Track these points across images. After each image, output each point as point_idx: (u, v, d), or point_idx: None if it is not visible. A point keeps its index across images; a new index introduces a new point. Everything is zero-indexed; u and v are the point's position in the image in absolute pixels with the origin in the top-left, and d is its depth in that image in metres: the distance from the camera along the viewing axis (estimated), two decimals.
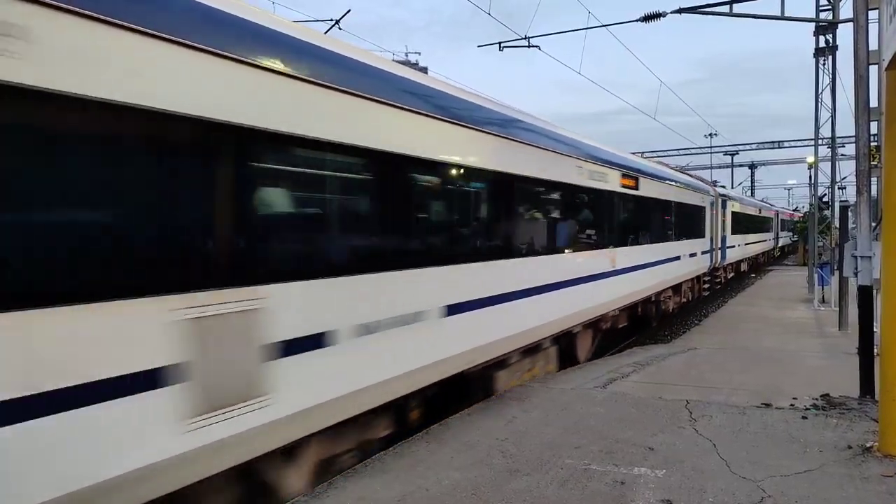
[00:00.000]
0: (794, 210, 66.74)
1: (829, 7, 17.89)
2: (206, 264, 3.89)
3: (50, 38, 3.12)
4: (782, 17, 15.73)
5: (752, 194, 57.85)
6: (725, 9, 15.62)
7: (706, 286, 21.39)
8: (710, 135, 52.47)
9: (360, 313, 5.09)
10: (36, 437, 3.03)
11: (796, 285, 24.21)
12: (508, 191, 7.63)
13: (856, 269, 6.77)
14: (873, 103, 7.68)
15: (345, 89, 4.95)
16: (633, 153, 17.18)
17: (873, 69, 6.91)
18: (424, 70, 14.30)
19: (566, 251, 9.21)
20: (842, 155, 26.00)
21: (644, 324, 14.84)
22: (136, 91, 3.47)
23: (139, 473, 3.45)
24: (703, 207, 19.32)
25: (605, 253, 10.67)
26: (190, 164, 3.85)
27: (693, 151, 51.28)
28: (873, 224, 6.87)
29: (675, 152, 50.79)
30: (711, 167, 56.31)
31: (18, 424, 2.95)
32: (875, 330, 6.80)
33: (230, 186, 4.05)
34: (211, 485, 3.97)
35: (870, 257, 6.62)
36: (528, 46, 17.46)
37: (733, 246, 25.69)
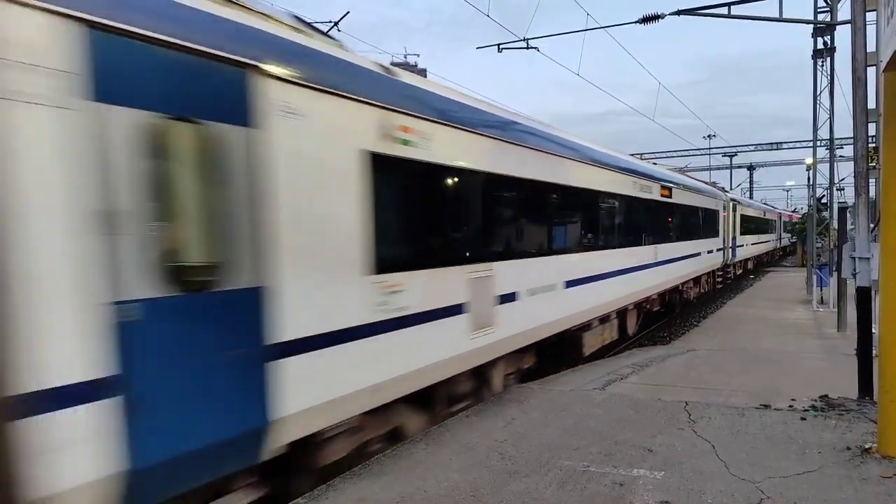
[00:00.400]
0: (792, 211, 66.87)
1: (827, 9, 17.91)
2: (476, 251, 7.07)
3: None
4: (780, 19, 15.75)
5: (751, 196, 58.00)
6: (724, 10, 15.65)
7: (719, 280, 24.82)
8: (709, 136, 52.59)
9: (528, 281, 8.17)
10: (433, 332, 6.20)
11: (795, 286, 24.23)
12: (609, 204, 11.33)
13: (854, 270, 6.78)
14: (871, 105, 7.69)
15: (556, 153, 9.09)
16: (633, 154, 18.04)
17: (871, 71, 6.93)
18: (423, 72, 14.32)
19: (628, 247, 12.29)
20: (840, 156, 26.05)
21: (670, 310, 17.63)
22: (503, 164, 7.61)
23: (453, 358, 6.55)
24: (717, 211, 22.46)
25: (650, 249, 13.84)
26: (480, 197, 7.15)
27: (692, 153, 51.36)
28: (871, 225, 6.89)
29: (675, 153, 50.84)
30: (710, 168, 56.38)
31: (439, 321, 6.29)
32: (874, 331, 6.81)
33: (484, 208, 7.24)
34: (463, 377, 7.03)
35: (868, 258, 6.63)
36: (527, 48, 17.48)
37: (742, 245, 29.13)
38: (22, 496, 3.13)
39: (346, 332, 5.03)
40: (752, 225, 33.64)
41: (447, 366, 6.44)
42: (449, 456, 5.47)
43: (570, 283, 9.37)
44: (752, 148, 52.93)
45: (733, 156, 55.68)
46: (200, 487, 4.04)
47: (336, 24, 12.34)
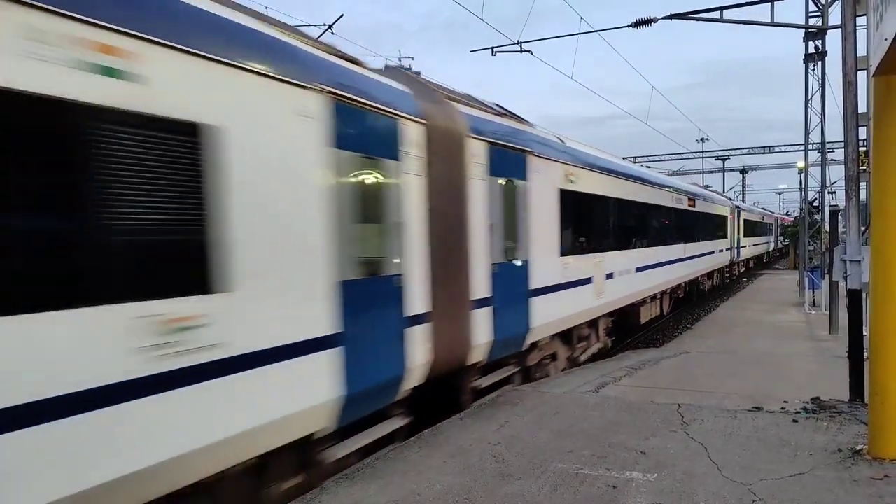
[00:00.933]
0: (785, 214, 67.21)
1: (819, 13, 18.04)
2: (597, 244, 11.13)
3: None
4: (772, 24, 15.85)
5: (744, 199, 58.23)
6: (716, 15, 15.75)
7: (726, 276, 29.38)
8: (702, 139, 52.80)
9: (620, 265, 12.23)
10: (581, 292, 10.44)
11: (787, 289, 24.35)
12: (659, 212, 15.64)
13: (845, 273, 6.82)
14: (862, 109, 7.75)
15: (634, 179, 13.77)
16: (626, 158, 21.00)
17: (862, 75, 6.99)
18: (417, 75, 14.29)
19: (670, 244, 16.45)
20: (832, 160, 26.18)
21: (690, 298, 20.99)
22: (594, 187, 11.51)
23: (588, 310, 10.71)
24: (726, 216, 26.80)
25: (681, 247, 17.76)
26: (601, 210, 11.55)
27: (685, 156, 51.56)
28: (862, 228, 6.93)
29: (668, 157, 51.04)
30: (703, 171, 56.61)
31: (583, 286, 10.55)
32: (864, 333, 6.85)
33: (601, 217, 11.47)
34: (586, 325, 11.11)
35: (859, 261, 6.67)
36: (521, 51, 17.53)
37: (745, 246, 33.55)
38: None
39: (552, 287, 9.16)
40: (753, 228, 38.04)
41: (586, 314, 10.64)
42: (443, 459, 5.46)
43: (638, 269, 13.69)
44: (744, 151, 53.17)
45: (726, 159, 55.92)
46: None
47: (330, 27, 12.35)
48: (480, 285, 7.29)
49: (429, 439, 6.01)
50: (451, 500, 4.63)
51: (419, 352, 6.18)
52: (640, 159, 42.86)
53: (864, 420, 5.97)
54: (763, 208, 59.83)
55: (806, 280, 19.16)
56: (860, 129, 7.44)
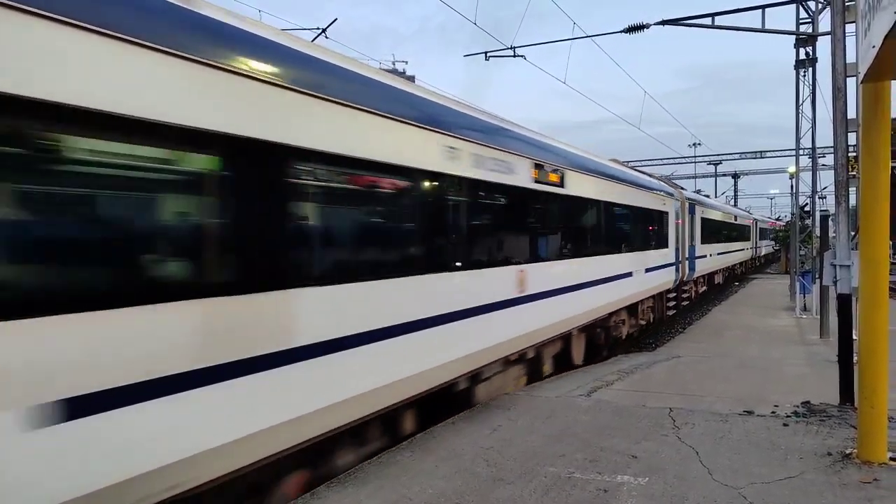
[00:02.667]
0: (776, 219, 67.52)
1: (809, 20, 18.20)
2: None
3: None
4: (763, 30, 15.98)
5: (736, 203, 58.41)
6: (707, 21, 15.86)
7: (671, 304, 18.80)
8: (694, 144, 53.15)
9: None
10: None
11: (779, 293, 24.48)
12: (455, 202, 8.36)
13: (835, 277, 6.87)
14: (851, 115, 7.82)
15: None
16: (612, 160, 16.84)
17: (851, 81, 7.05)
18: (412, 78, 14.34)
19: (487, 267, 7.90)
20: (823, 165, 26.36)
21: (594, 352, 12.11)
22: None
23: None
24: (665, 213, 16.86)
25: (527, 269, 8.44)
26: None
27: (678, 161, 51.89)
28: (852, 233, 6.99)
29: (660, 162, 51.34)
30: (696, 176, 56.98)
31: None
32: (854, 338, 6.89)
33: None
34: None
35: (848, 266, 6.73)
36: (514, 56, 17.59)
37: (704, 256, 23.44)
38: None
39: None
40: (720, 231, 28.24)
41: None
42: (435, 463, 5.46)
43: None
44: (736, 156, 53.56)
45: (718, 164, 56.29)
46: None
47: (324, 30, 12.36)
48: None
49: (421, 443, 6.01)
50: None
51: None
52: (632, 164, 42.85)
53: (854, 424, 6.01)
54: (747, 209, 54.03)
55: (797, 284, 19.27)
56: (850, 134, 7.52)
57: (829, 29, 7.71)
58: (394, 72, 13.63)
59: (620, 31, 16.44)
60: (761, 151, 51.07)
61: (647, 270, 14.90)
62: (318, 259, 4.98)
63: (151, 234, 3.75)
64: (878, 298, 5.32)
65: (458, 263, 6.86)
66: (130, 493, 3.45)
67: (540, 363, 9.54)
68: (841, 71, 6.97)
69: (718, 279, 29.09)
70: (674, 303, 19.15)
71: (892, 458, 5.31)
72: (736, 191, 61.51)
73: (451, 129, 6.72)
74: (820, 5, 17.43)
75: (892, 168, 5.52)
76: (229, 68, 4.04)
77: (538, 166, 8.89)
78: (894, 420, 6.20)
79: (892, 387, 5.72)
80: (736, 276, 35.49)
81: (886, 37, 3.66)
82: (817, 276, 14.62)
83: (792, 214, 23.06)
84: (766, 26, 15.93)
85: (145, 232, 3.73)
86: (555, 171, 9.54)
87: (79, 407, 3.21)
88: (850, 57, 6.87)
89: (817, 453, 5.60)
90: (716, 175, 58.14)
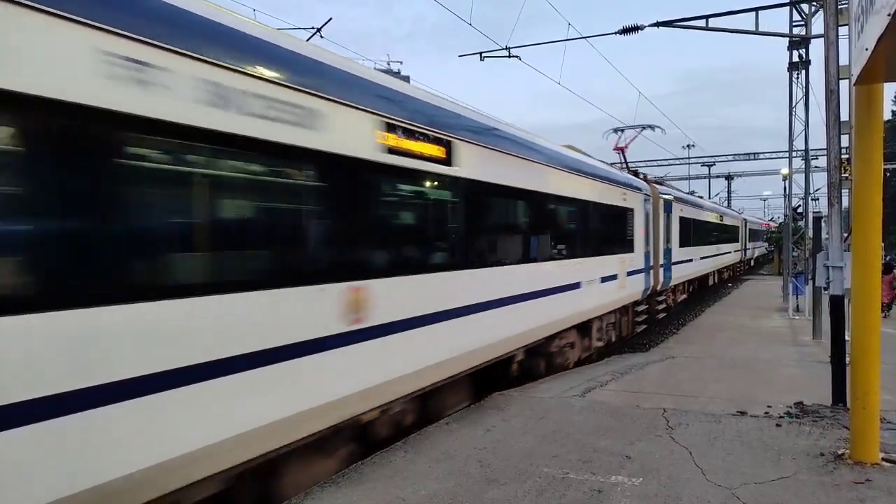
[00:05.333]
0: (769, 220, 67.80)
1: (802, 23, 18.31)
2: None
3: None
4: (757, 32, 16.05)
5: (729, 205, 58.65)
6: (702, 23, 15.93)
7: (641, 319, 15.93)
8: (688, 146, 53.32)
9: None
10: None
11: (772, 295, 24.58)
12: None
13: (827, 279, 6.90)
14: (844, 117, 7.86)
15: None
16: (614, 164, 16.56)
17: (844, 84, 7.09)
18: (406, 79, 14.32)
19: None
20: (815, 167, 26.50)
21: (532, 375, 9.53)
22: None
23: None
24: (629, 211, 13.87)
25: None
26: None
27: (672, 162, 52.05)
28: (845, 235, 7.03)
29: (654, 163, 51.51)
30: (689, 178, 57.17)
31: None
32: (847, 339, 6.93)
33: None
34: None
35: (841, 268, 6.76)
36: (509, 56, 17.61)
37: (684, 261, 20.47)
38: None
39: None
40: (704, 233, 25.25)
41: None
42: (428, 464, 5.45)
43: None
44: (729, 158, 53.82)
45: (712, 165, 56.56)
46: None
47: (318, 30, 12.33)
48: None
49: (414, 444, 6.00)
50: None
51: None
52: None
53: (847, 424, 6.04)
54: (739, 210, 52.04)
55: (790, 286, 19.36)
56: (842, 136, 7.57)
57: (822, 31, 7.75)
58: (388, 72, 13.61)
59: (615, 33, 16.49)
60: (754, 153, 51.34)
61: (605, 280, 11.97)
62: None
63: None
64: (870, 300, 5.34)
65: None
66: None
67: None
68: (834, 73, 7.00)
69: (697, 286, 25.84)
70: (645, 316, 16.32)
71: (884, 459, 5.33)
72: (729, 192, 61.80)
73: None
74: (813, 8, 17.54)
75: (885, 170, 5.55)
76: None
77: (392, 127, 5.82)
78: (886, 421, 6.24)
79: (884, 388, 5.76)
80: (723, 281, 32.49)
81: (879, 39, 3.67)
82: (810, 277, 14.69)
83: (785, 216, 23.13)
84: (760, 29, 16.01)
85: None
86: (432, 138, 6.38)
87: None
88: (843, 59, 6.91)
89: (810, 454, 5.62)
90: (709, 176, 58.41)
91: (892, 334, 12.39)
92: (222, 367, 4.04)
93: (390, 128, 5.78)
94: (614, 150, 19.25)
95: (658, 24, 16.10)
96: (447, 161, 6.68)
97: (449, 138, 6.72)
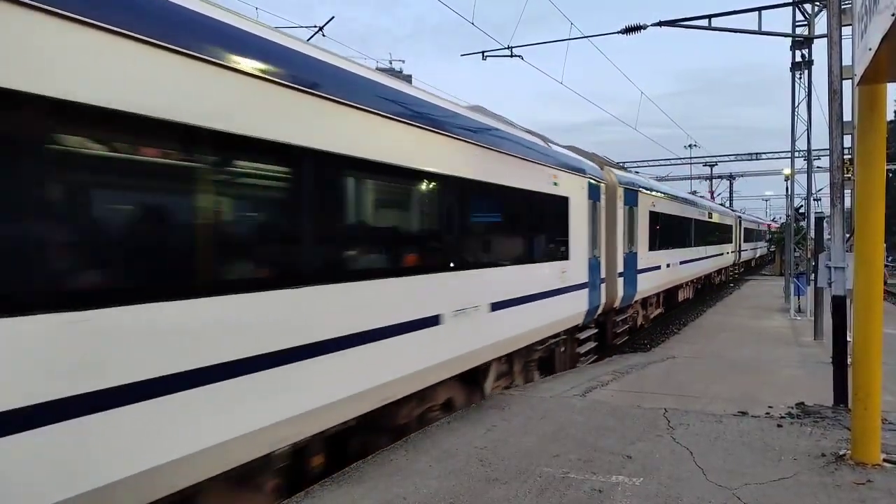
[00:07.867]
0: (771, 220, 67.60)
1: (805, 23, 18.26)
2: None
3: None
4: (760, 32, 16.02)
5: (731, 205, 58.45)
6: (704, 22, 15.90)
7: (584, 349, 11.61)
8: (690, 146, 53.22)
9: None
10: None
11: (773, 295, 24.56)
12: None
13: (829, 279, 6.89)
14: (847, 117, 7.84)
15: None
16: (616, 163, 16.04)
17: (847, 84, 7.07)
18: (409, 78, 14.32)
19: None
20: (818, 167, 26.44)
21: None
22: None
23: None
24: (564, 199, 10.13)
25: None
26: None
27: (674, 162, 51.98)
28: (847, 236, 7.02)
29: (656, 163, 51.46)
30: (691, 178, 57.08)
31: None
32: (848, 339, 6.92)
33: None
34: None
35: (843, 268, 6.74)
36: (511, 56, 17.59)
37: (654, 268, 16.27)
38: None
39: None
40: (686, 232, 21.20)
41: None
42: (429, 462, 5.45)
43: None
44: (731, 158, 53.72)
45: (714, 165, 56.42)
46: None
47: (320, 29, 12.33)
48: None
49: (415, 443, 6.00)
50: None
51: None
52: (628, 165, 42.78)
53: (848, 425, 6.03)
54: (742, 211, 49.74)
55: (791, 286, 19.33)
56: (845, 137, 7.56)
57: (825, 31, 7.73)
58: (390, 71, 13.60)
59: (617, 32, 16.46)
60: (757, 153, 51.23)
61: (507, 304, 8.03)
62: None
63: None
64: (872, 300, 5.33)
65: None
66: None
67: None
68: (837, 73, 6.99)
69: (684, 295, 21.95)
70: (594, 344, 12.24)
71: (885, 460, 5.33)
72: (731, 192, 61.69)
73: None
74: (816, 8, 17.49)
75: (888, 171, 5.54)
76: None
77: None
78: (888, 422, 6.23)
79: (885, 388, 5.76)
80: (712, 287, 28.28)
81: (883, 39, 3.67)
82: (812, 277, 14.66)
83: (787, 216, 23.09)
84: (763, 28, 15.97)
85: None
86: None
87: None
88: (847, 59, 6.90)
89: (811, 454, 5.61)
90: (711, 177, 58.29)
91: (894, 335, 12.38)
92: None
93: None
94: None
95: (661, 24, 16.07)
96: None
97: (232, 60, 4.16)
